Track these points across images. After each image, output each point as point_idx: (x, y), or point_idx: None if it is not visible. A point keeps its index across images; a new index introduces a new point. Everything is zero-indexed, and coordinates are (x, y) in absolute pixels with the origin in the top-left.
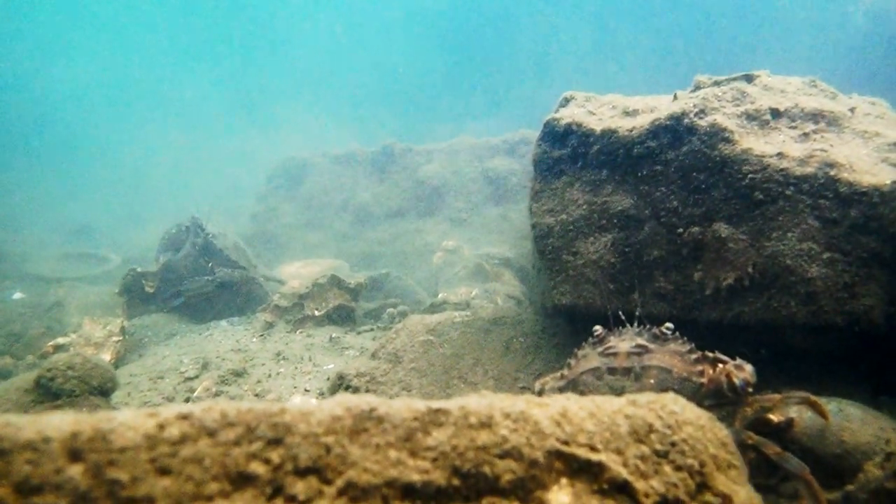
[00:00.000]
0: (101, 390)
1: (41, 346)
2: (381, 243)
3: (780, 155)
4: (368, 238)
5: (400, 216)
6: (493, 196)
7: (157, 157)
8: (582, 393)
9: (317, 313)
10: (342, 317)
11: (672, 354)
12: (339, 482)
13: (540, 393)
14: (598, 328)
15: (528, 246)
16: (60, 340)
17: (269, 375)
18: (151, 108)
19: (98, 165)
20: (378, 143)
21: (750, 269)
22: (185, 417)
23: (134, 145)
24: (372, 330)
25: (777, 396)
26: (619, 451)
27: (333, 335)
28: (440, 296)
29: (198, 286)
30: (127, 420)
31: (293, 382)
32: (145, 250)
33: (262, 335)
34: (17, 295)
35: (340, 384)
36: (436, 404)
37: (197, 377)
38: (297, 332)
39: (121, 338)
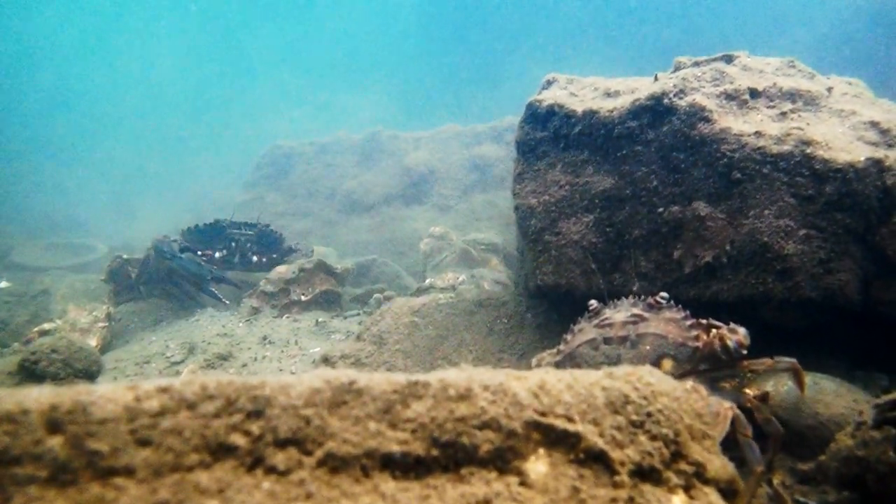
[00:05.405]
0: (85, 373)
1: (27, 333)
2: (369, 230)
3: (757, 133)
4: (356, 225)
5: (387, 203)
6: (480, 183)
7: (145, 149)
8: (579, 365)
9: (303, 298)
10: (329, 302)
11: (667, 322)
12: (319, 453)
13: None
14: (593, 302)
15: (515, 231)
16: (46, 326)
17: (255, 359)
18: (140, 98)
19: (86, 158)
20: (365, 130)
21: (728, 247)
22: (164, 390)
23: (121, 137)
24: (358, 314)
25: (769, 360)
26: (595, 422)
27: (320, 319)
28: (427, 281)
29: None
30: (107, 393)
31: (279, 366)
32: (131, 240)
33: (248, 320)
34: (3, 284)
35: (325, 366)
36: (415, 377)
37: (183, 361)
38: (284, 317)
39: (107, 324)
